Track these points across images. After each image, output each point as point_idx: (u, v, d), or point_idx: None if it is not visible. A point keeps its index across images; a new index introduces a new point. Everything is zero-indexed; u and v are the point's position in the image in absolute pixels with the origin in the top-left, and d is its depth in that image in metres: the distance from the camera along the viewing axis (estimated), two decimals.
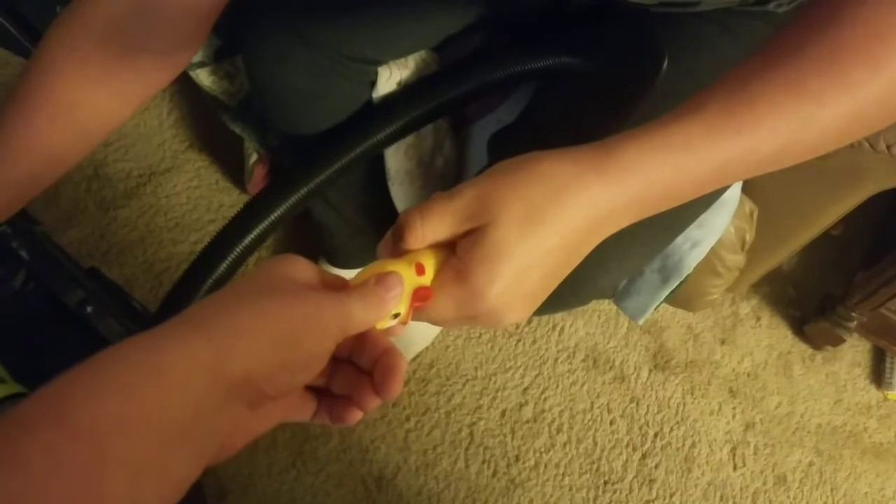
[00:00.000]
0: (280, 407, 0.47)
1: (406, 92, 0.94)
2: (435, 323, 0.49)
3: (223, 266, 0.73)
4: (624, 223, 0.49)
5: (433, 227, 0.46)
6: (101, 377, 0.35)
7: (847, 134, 0.48)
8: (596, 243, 0.49)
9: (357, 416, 0.47)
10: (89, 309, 0.78)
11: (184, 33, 0.75)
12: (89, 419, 0.33)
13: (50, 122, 0.70)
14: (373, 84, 0.93)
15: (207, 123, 1.52)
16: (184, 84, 1.55)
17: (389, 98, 0.94)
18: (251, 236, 0.74)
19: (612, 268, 0.77)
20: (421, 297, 0.47)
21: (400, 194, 1.09)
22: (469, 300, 0.46)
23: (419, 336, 1.33)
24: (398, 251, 0.48)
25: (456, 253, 0.46)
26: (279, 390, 0.40)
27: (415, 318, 0.48)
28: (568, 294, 0.80)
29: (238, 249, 0.73)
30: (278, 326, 0.40)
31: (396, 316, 0.47)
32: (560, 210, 0.45)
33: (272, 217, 0.75)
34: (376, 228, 1.24)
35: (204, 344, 0.37)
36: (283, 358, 0.40)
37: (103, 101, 0.73)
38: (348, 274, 1.29)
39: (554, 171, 0.46)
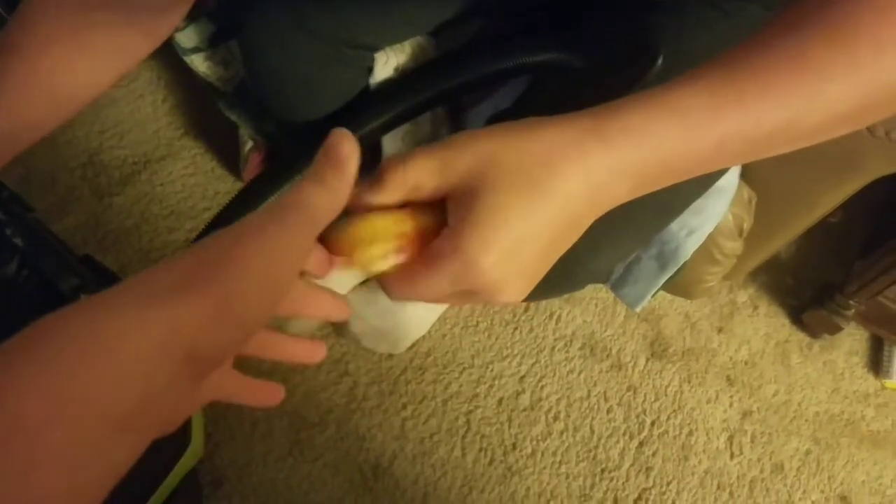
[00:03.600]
0: (224, 377, 0.45)
1: (404, 80, 0.93)
2: (428, 300, 0.46)
3: None
4: (622, 197, 0.47)
5: (416, 171, 0.43)
6: (39, 355, 0.31)
7: (854, 117, 0.46)
8: (594, 217, 0.47)
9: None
10: (83, 296, 0.77)
11: (170, 2, 0.75)
12: (24, 408, 0.29)
13: (25, 86, 0.70)
14: (370, 70, 0.93)
15: (203, 110, 1.51)
16: (179, 71, 1.54)
17: (387, 85, 0.93)
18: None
19: (604, 251, 0.77)
20: (405, 246, 0.44)
21: None
22: (463, 270, 0.43)
23: (415, 325, 1.32)
24: (375, 203, 0.44)
25: (447, 219, 0.43)
26: (228, 354, 0.38)
27: (407, 298, 0.46)
28: (560, 278, 0.80)
29: None
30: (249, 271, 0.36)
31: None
32: (559, 177, 0.43)
33: (266, 203, 0.75)
34: None
35: (158, 314, 0.34)
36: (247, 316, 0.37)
37: (81, 70, 0.73)
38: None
39: (553, 136, 0.43)
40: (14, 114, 0.70)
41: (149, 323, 0.33)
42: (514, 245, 0.43)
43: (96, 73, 0.75)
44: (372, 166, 0.47)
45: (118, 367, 0.32)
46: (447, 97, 0.83)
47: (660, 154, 0.44)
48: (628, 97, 0.45)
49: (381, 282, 0.47)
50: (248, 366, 1.31)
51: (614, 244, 0.78)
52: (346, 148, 0.42)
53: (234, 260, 0.36)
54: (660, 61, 0.75)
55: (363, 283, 1.36)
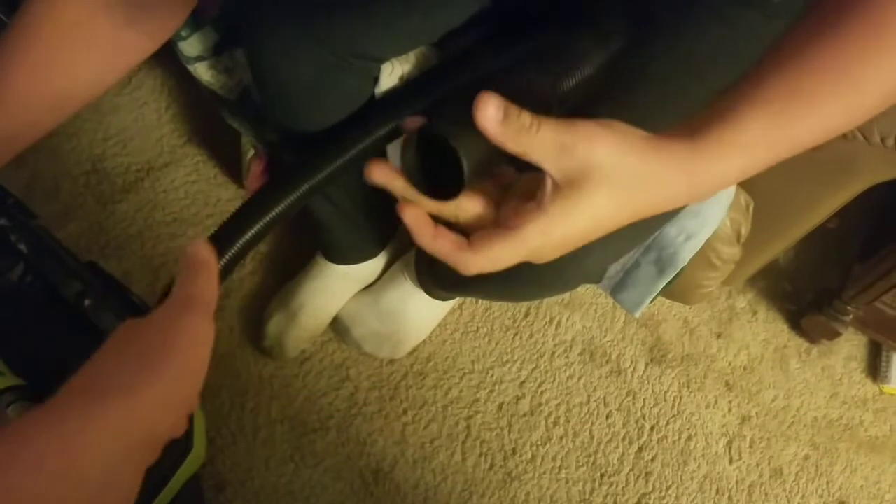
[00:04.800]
0: None
1: (409, 86, 0.94)
2: (495, 266, 0.51)
3: (223, 261, 0.73)
4: (673, 207, 0.53)
5: (541, 138, 0.47)
6: (12, 455, 0.36)
7: (876, 111, 0.53)
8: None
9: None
10: (87, 302, 0.78)
11: (170, 5, 0.76)
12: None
13: (26, 86, 0.71)
14: (376, 80, 0.93)
15: (206, 118, 1.53)
16: (182, 79, 1.55)
17: (392, 93, 0.94)
18: (251, 232, 0.74)
19: (597, 250, 0.77)
20: None
21: None
22: (541, 250, 0.50)
23: (416, 329, 1.33)
24: (493, 132, 0.47)
25: (543, 192, 0.49)
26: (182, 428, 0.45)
27: (480, 262, 0.51)
28: (553, 277, 0.81)
29: (238, 245, 0.74)
30: (170, 373, 0.44)
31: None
32: (643, 196, 0.50)
33: (273, 213, 0.75)
34: (376, 224, 1.24)
35: (102, 411, 0.39)
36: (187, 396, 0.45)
37: (82, 70, 0.74)
38: (345, 269, 1.30)
39: (656, 165, 0.49)
40: (14, 113, 0.71)
41: (98, 417, 0.39)
42: (582, 238, 0.51)
43: (97, 73, 0.76)
44: None
45: (78, 455, 0.37)
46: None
47: (723, 181, 0.52)
48: (705, 132, 0.51)
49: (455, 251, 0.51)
50: (249, 370, 1.31)
51: (607, 244, 0.78)
52: (204, 252, 0.54)
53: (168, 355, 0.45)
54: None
55: (365, 289, 1.36)
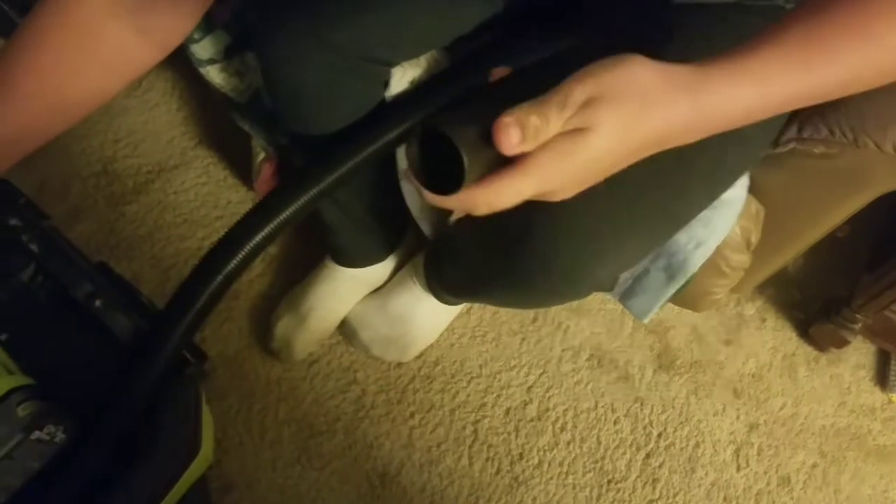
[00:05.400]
0: None
1: (419, 91, 0.94)
2: (508, 203, 0.54)
3: (233, 264, 0.74)
4: (687, 140, 0.55)
5: (552, 124, 0.51)
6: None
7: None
8: (655, 152, 0.56)
9: None
10: (98, 303, 0.78)
11: (179, 15, 0.77)
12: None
13: (35, 90, 0.72)
14: (386, 84, 0.93)
15: (216, 121, 1.53)
16: (193, 81, 1.56)
17: (402, 97, 0.94)
18: (262, 234, 0.74)
19: (609, 259, 0.78)
20: None
21: (411, 192, 1.09)
22: (550, 188, 0.53)
23: (424, 333, 1.33)
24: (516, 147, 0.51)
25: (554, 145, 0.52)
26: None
27: (494, 199, 0.53)
28: (565, 286, 0.81)
29: (248, 247, 0.74)
30: None
31: None
32: (648, 121, 0.52)
33: (283, 216, 0.75)
34: (384, 228, 1.24)
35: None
36: None
37: (90, 79, 0.75)
38: (353, 272, 1.31)
39: (650, 88, 0.52)
40: (21, 117, 0.72)
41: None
42: (594, 171, 0.53)
43: (103, 81, 0.77)
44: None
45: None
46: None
47: (734, 111, 0.54)
48: (717, 62, 0.54)
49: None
50: (257, 372, 1.32)
51: (620, 253, 0.78)
52: None
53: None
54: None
55: (373, 292, 1.37)
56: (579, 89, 0.52)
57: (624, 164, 0.55)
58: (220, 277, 0.73)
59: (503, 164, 0.53)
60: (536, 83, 0.54)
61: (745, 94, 0.53)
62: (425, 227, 1.16)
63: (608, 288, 0.90)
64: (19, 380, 0.68)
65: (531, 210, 0.59)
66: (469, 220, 1.01)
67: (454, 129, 0.51)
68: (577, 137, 0.51)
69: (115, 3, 0.72)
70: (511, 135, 0.50)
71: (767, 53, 0.53)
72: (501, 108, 0.52)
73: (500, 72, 0.62)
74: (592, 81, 0.52)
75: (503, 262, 0.84)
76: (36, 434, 0.66)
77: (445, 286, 1.15)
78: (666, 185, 0.77)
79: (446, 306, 1.29)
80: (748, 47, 0.54)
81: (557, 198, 0.55)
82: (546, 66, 0.78)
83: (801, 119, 0.98)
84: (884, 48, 0.53)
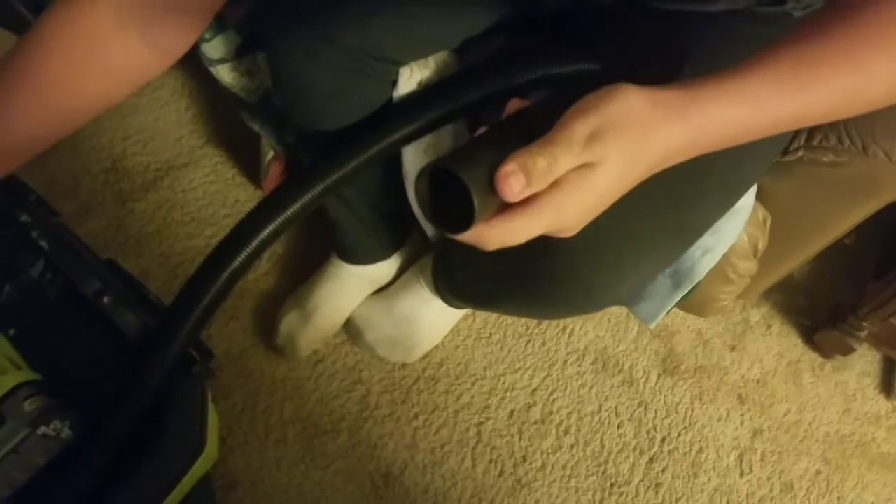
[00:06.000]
0: None
1: (426, 92, 0.94)
2: (517, 240, 0.54)
3: (239, 260, 0.74)
4: (682, 159, 0.56)
5: (561, 162, 0.51)
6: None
7: (886, 102, 0.57)
8: (653, 173, 0.57)
9: None
10: (106, 300, 0.79)
11: (185, 25, 0.77)
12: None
13: (42, 95, 0.73)
14: (394, 83, 0.94)
15: (225, 120, 1.54)
16: (202, 80, 1.57)
17: (410, 98, 0.94)
18: (267, 231, 0.75)
19: (628, 275, 0.78)
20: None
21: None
22: (559, 225, 0.54)
23: (429, 335, 1.33)
24: (521, 193, 0.51)
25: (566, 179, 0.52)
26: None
27: (506, 237, 0.53)
28: (583, 300, 0.81)
29: (254, 244, 0.74)
30: None
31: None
32: (649, 147, 0.53)
33: (288, 213, 0.76)
34: (389, 226, 1.25)
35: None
36: None
37: (96, 86, 0.76)
38: (359, 270, 1.31)
39: (646, 115, 0.53)
40: (30, 121, 0.73)
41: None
42: (600, 204, 0.54)
43: (111, 89, 0.78)
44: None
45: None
46: (469, 110, 0.84)
47: (726, 134, 0.55)
48: (707, 83, 0.55)
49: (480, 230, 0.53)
50: (262, 371, 1.32)
51: (638, 268, 0.79)
52: None
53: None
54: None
55: (378, 291, 1.37)
56: (580, 124, 0.52)
57: (626, 191, 0.56)
58: (226, 274, 0.73)
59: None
60: (552, 119, 0.54)
61: (736, 115, 0.54)
62: (429, 230, 1.17)
63: (624, 301, 0.90)
64: (26, 375, 0.68)
65: None
66: None
67: (465, 170, 0.51)
68: (586, 173, 0.52)
69: (122, 15, 0.73)
70: (512, 184, 0.50)
71: (760, 76, 0.54)
72: (513, 147, 0.52)
73: (516, 104, 0.63)
74: (592, 115, 0.52)
75: (520, 275, 0.84)
76: (42, 429, 0.66)
77: (457, 294, 1.15)
78: (681, 199, 0.77)
79: (452, 309, 1.30)
80: (740, 69, 0.54)
81: (567, 234, 0.56)
82: (560, 100, 0.78)
83: (811, 127, 0.98)
84: (873, 76, 0.54)
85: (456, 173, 0.51)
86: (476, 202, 0.51)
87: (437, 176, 0.54)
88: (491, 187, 0.52)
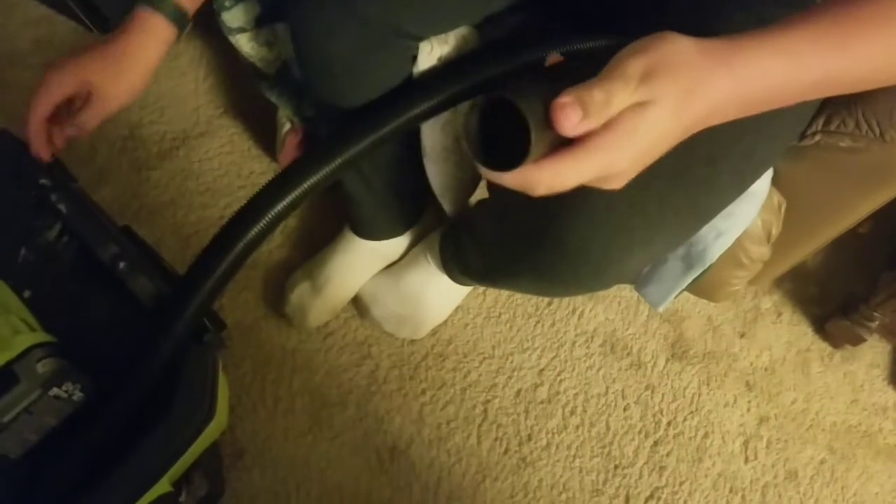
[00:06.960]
0: None
1: (446, 68, 0.94)
2: (568, 185, 0.52)
3: (255, 230, 0.74)
4: (728, 117, 0.56)
5: (618, 98, 0.51)
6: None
7: None
8: (701, 128, 0.56)
9: None
10: (122, 265, 0.80)
11: None
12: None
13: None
14: (414, 59, 0.94)
15: (242, 91, 1.54)
16: (220, 51, 1.56)
17: (429, 73, 0.94)
18: (284, 203, 0.75)
19: (637, 252, 0.78)
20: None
21: (434, 170, 1.10)
22: (610, 168, 0.52)
23: (434, 312, 1.34)
24: (578, 126, 0.50)
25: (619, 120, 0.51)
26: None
27: (556, 181, 0.52)
28: (591, 277, 0.81)
29: (270, 215, 0.75)
30: None
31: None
32: (697, 102, 0.53)
33: (305, 185, 0.76)
34: (404, 203, 1.25)
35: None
36: None
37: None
38: (372, 245, 1.31)
39: (696, 61, 0.53)
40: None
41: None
42: (652, 149, 0.53)
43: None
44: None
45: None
46: (489, 86, 0.84)
47: (769, 86, 0.55)
48: (749, 35, 0.55)
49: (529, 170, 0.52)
50: (272, 342, 1.33)
51: (648, 246, 0.78)
52: None
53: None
54: None
55: (386, 268, 1.37)
56: (635, 61, 0.51)
57: (673, 144, 0.55)
58: (241, 244, 0.74)
59: (565, 143, 0.51)
60: (597, 65, 0.53)
61: (777, 69, 0.54)
62: (447, 206, 1.16)
63: (632, 280, 0.90)
64: (40, 336, 0.69)
65: (560, 201, 0.58)
66: (494, 204, 1.01)
67: (525, 101, 0.49)
68: (641, 111, 0.51)
69: None
70: (570, 114, 0.48)
71: (800, 31, 0.54)
72: (565, 86, 0.50)
73: (555, 58, 0.62)
74: (646, 55, 0.52)
75: (529, 251, 0.84)
76: (54, 391, 0.67)
77: (465, 270, 1.15)
78: (695, 178, 0.77)
79: (458, 286, 1.30)
80: (779, 25, 0.55)
81: (614, 184, 0.54)
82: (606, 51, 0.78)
83: (829, 112, 0.97)
84: None
85: (513, 102, 0.49)
86: (533, 136, 0.48)
87: (489, 110, 0.52)
88: (546, 122, 0.50)
